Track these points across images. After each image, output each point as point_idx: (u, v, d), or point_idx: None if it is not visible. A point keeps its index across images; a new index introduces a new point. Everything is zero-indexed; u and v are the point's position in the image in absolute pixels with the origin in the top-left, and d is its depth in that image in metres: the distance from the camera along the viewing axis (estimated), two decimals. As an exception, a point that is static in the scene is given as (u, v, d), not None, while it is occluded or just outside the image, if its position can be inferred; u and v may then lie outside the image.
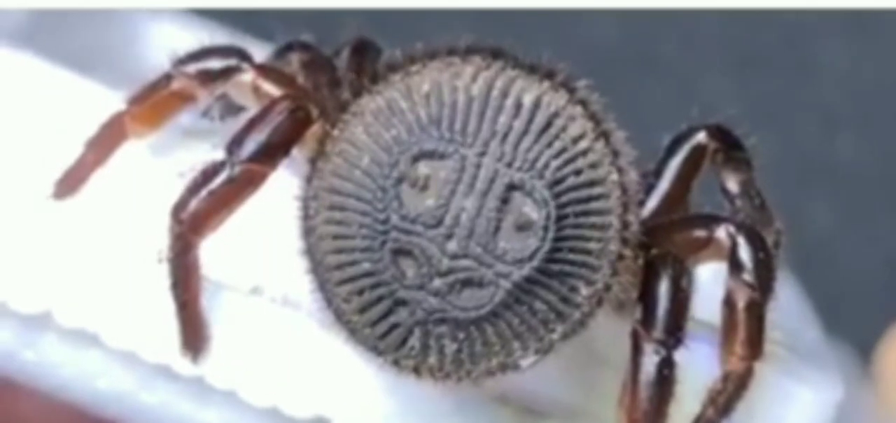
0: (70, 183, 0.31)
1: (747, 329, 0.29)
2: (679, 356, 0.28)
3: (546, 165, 0.27)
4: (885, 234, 0.74)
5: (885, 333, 0.46)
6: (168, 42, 0.35)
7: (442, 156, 0.27)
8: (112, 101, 0.31)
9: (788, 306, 0.43)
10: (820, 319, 0.47)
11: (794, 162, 0.74)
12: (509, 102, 0.27)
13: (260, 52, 0.37)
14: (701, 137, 0.30)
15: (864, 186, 0.76)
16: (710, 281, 0.31)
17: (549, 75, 0.28)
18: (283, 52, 0.32)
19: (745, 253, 0.29)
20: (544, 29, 0.73)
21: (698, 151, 0.30)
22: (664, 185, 0.30)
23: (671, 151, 0.30)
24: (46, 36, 0.43)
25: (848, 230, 0.74)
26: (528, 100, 0.27)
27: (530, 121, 0.27)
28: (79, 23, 0.45)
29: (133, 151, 0.31)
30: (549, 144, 0.27)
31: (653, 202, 0.30)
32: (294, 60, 0.31)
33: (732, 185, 0.31)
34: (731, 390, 0.29)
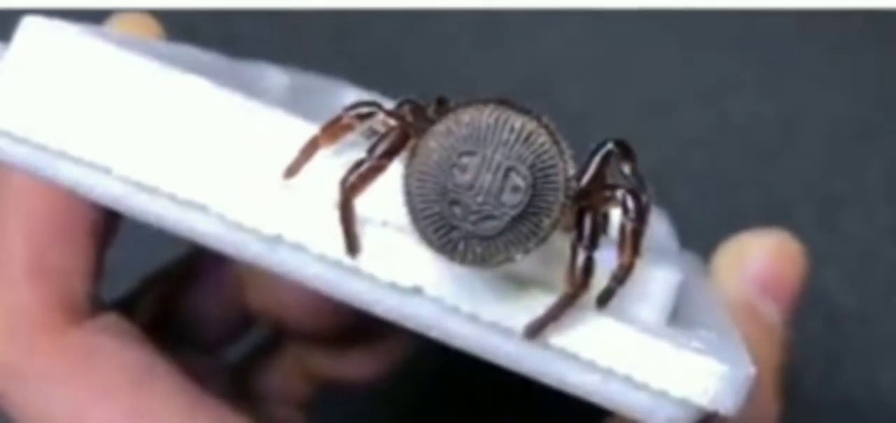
0: (293, 168, 0.41)
1: (631, 243, 0.40)
2: (596, 256, 0.39)
3: (526, 159, 0.37)
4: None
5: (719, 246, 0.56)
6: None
7: (473, 154, 0.37)
8: (308, 130, 0.41)
9: (661, 231, 0.60)
10: (679, 238, 0.59)
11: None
12: (508, 126, 0.37)
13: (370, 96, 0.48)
14: (610, 145, 0.41)
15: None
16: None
17: (529, 112, 0.38)
18: (402, 104, 0.42)
19: (631, 204, 0.39)
20: (536, 30, 0.81)
21: (608, 151, 0.41)
22: (591, 169, 0.41)
23: (595, 151, 0.41)
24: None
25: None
26: (518, 125, 0.38)
27: (519, 136, 0.38)
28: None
29: (319, 156, 0.41)
30: (529, 148, 0.38)
31: (585, 178, 0.41)
32: (406, 107, 0.42)
33: (626, 169, 0.41)
34: (621, 273, 0.40)
